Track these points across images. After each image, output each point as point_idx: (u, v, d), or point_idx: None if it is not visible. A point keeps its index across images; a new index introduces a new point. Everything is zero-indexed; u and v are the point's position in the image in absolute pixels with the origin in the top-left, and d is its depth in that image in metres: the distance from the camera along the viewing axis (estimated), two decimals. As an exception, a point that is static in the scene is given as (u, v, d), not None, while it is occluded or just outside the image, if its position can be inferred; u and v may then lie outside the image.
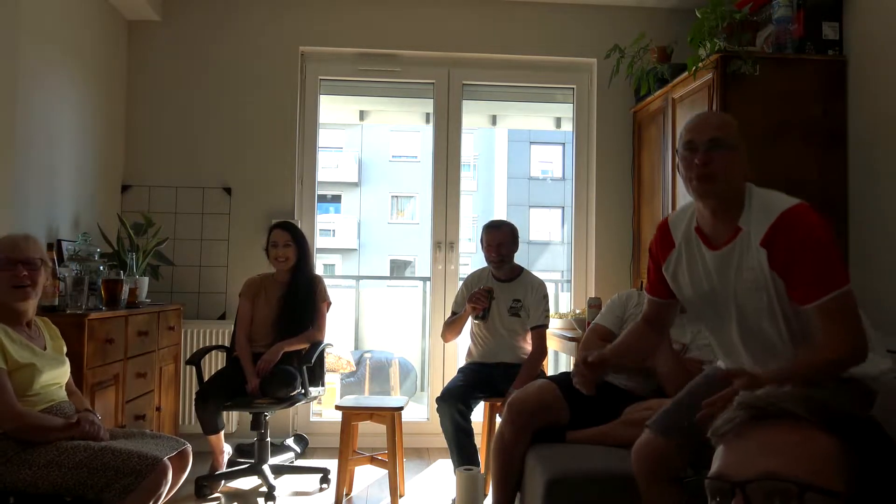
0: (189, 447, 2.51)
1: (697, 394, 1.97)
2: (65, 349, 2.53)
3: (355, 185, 21.05)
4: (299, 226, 4.07)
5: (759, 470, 0.79)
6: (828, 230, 1.76)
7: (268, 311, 3.63)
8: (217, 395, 3.41)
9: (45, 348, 2.41)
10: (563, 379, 2.83)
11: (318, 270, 4.23)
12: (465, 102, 4.56)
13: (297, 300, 3.61)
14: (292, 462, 3.87)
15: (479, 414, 3.50)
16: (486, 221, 3.75)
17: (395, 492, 3.25)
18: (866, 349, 1.71)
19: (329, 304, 3.71)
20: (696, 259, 1.93)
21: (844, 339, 1.68)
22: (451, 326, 3.67)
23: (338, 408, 3.43)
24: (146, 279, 3.74)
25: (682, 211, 2.04)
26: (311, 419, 4.44)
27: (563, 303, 5.16)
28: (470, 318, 3.60)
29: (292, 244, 3.63)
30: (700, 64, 3.34)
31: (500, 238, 3.56)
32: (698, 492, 0.85)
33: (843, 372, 1.72)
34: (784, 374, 1.64)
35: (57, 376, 2.41)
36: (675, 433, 1.95)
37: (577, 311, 4.06)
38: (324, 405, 4.70)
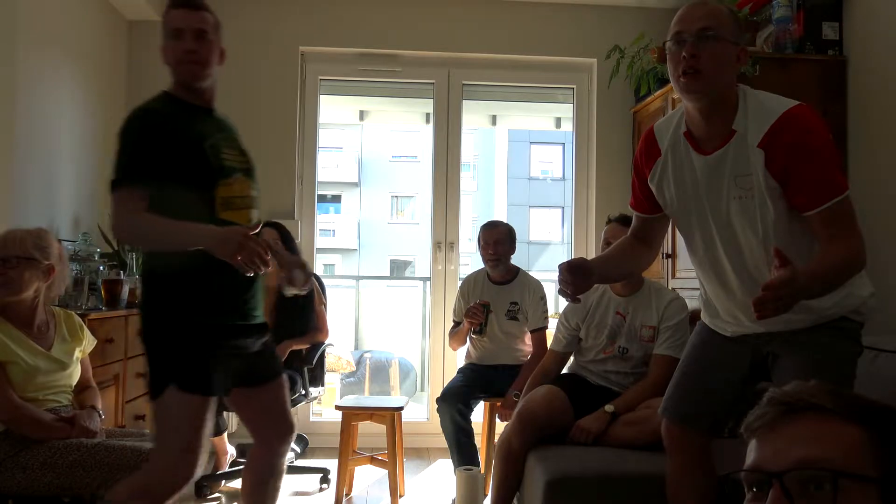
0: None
1: (704, 366, 1.96)
2: (81, 348, 2.47)
3: (355, 185, 21.05)
4: (299, 226, 4.07)
5: (793, 460, 0.83)
6: (829, 132, 1.69)
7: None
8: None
9: (50, 348, 2.37)
10: (567, 381, 2.84)
11: (318, 270, 4.23)
12: (465, 102, 4.56)
13: (289, 304, 3.50)
14: (292, 462, 3.86)
15: (479, 414, 3.50)
16: (485, 222, 3.74)
17: (395, 492, 3.25)
18: (865, 255, 1.67)
19: (325, 305, 3.69)
20: (683, 166, 1.81)
21: (851, 244, 1.61)
22: (455, 337, 3.66)
23: (338, 408, 3.43)
24: (146, 279, 3.73)
25: (669, 117, 1.90)
26: (311, 419, 4.44)
27: (563, 302, 5.15)
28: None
29: (280, 244, 3.57)
30: (700, 64, 3.33)
31: (497, 236, 3.55)
32: (736, 486, 0.89)
33: (854, 275, 1.68)
34: (816, 273, 1.56)
35: (58, 380, 2.37)
36: (696, 419, 1.95)
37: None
38: (324, 405, 4.70)
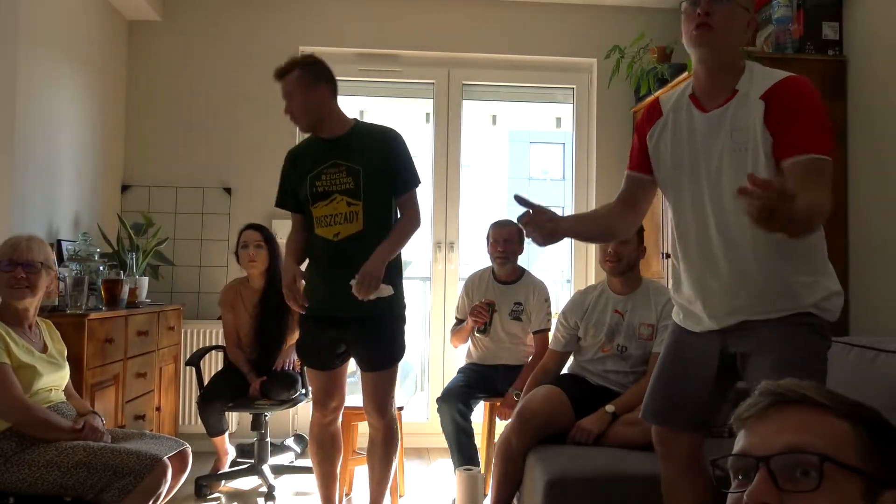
0: (188, 448, 2.51)
1: (678, 368, 1.96)
2: (65, 352, 2.53)
3: (355, 184, 21.00)
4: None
5: (780, 445, 0.84)
6: (823, 105, 1.78)
7: (247, 320, 3.60)
8: (220, 397, 3.41)
9: (44, 351, 2.41)
10: (567, 382, 2.84)
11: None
12: (465, 102, 4.56)
13: (271, 308, 3.53)
14: (292, 462, 3.87)
15: (479, 414, 3.50)
16: (482, 222, 3.74)
17: (395, 492, 3.24)
18: (826, 217, 1.63)
19: None
20: (682, 125, 1.90)
21: (822, 196, 1.60)
22: (457, 335, 3.66)
23: (338, 408, 3.43)
24: (146, 279, 3.74)
25: (675, 90, 2.01)
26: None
27: (563, 303, 5.14)
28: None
29: (263, 245, 3.56)
30: (700, 64, 3.33)
31: (507, 234, 3.55)
32: (724, 478, 0.91)
33: (817, 224, 1.65)
34: (801, 199, 1.49)
35: (56, 379, 2.42)
36: (678, 420, 1.95)
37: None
38: (324, 405, 4.69)
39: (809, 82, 1.79)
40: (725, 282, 1.81)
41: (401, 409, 3.37)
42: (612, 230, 2.12)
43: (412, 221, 2.70)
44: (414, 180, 2.70)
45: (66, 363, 2.50)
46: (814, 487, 0.80)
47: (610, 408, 2.62)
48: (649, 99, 2.03)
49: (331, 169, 2.63)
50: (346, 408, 3.34)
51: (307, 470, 3.68)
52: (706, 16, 1.78)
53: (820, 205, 1.54)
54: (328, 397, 2.76)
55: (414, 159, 2.73)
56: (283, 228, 3.56)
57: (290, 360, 3.51)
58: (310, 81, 2.63)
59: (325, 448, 2.82)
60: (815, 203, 1.51)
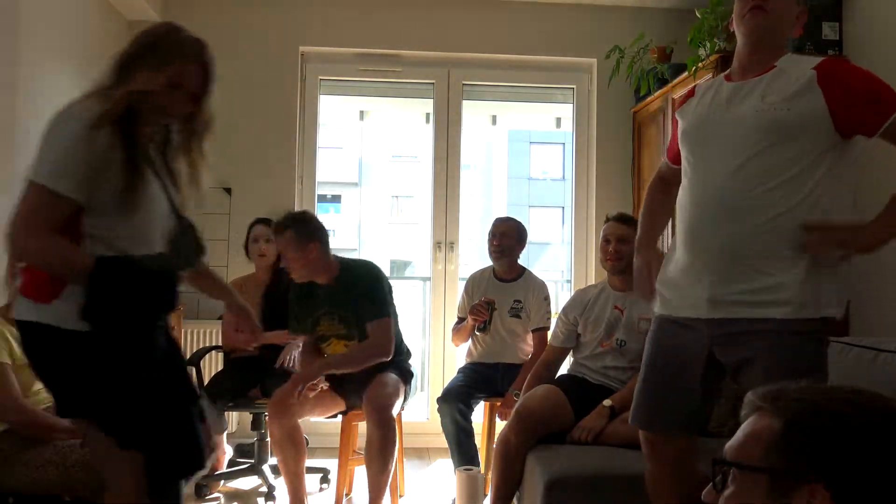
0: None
1: (664, 372, 1.91)
2: None
3: (355, 185, 21.03)
4: (299, 226, 4.08)
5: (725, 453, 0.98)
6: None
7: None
8: (221, 397, 3.41)
9: None
10: (567, 382, 2.84)
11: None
12: (465, 102, 4.56)
13: (277, 299, 3.52)
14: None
15: (479, 414, 3.50)
16: (482, 222, 3.75)
17: (395, 492, 3.24)
18: None
19: None
20: (710, 95, 1.90)
21: None
22: (458, 333, 3.68)
23: (338, 408, 3.43)
24: (146, 279, 3.73)
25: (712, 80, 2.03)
26: (311, 419, 4.42)
27: (563, 303, 5.14)
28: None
29: (273, 240, 3.57)
30: (700, 64, 3.34)
31: (504, 229, 3.57)
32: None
33: None
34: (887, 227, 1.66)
35: None
36: (664, 424, 1.92)
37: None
38: (324, 405, 4.69)
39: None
40: (725, 253, 1.75)
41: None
42: (670, 213, 2.12)
43: (372, 349, 3.01)
44: (382, 311, 3.02)
45: None
46: (728, 490, 0.94)
47: (608, 402, 2.62)
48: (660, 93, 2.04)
49: (325, 317, 3.13)
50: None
51: (307, 470, 3.67)
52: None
53: None
54: None
55: (389, 293, 3.12)
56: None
57: (291, 357, 3.50)
58: (302, 242, 2.98)
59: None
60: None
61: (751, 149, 1.74)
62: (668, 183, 2.10)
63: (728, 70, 1.93)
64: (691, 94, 2.01)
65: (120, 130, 1.63)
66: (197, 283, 2.08)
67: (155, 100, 1.68)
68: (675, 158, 2.02)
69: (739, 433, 0.96)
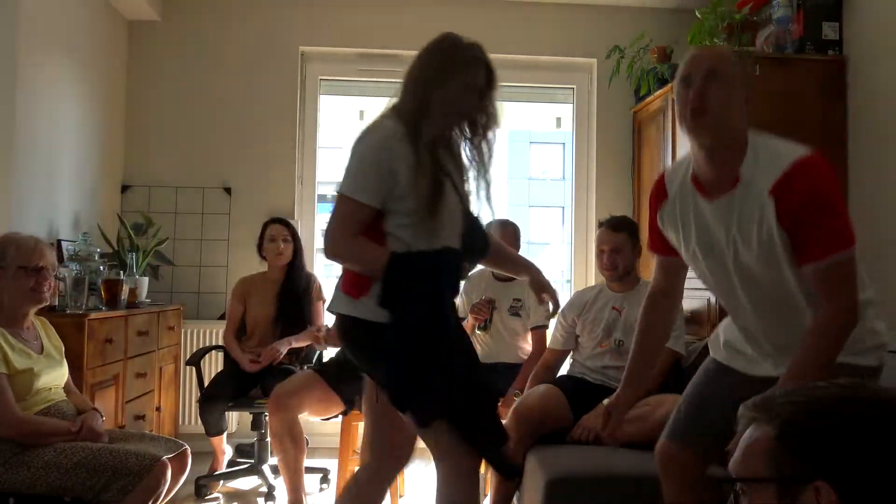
0: (188, 449, 2.51)
1: (705, 394, 1.93)
2: (63, 349, 2.52)
3: (355, 184, 20.97)
4: (299, 226, 4.08)
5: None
6: (838, 184, 1.73)
7: (264, 310, 3.60)
8: (221, 397, 3.41)
9: (41, 350, 2.40)
10: (566, 382, 2.85)
11: (318, 270, 4.23)
12: (465, 102, 4.55)
13: (293, 297, 3.59)
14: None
15: (479, 414, 3.50)
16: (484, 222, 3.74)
17: (395, 492, 3.24)
18: (858, 312, 1.66)
19: (324, 301, 3.70)
20: (689, 211, 1.79)
21: (846, 302, 1.62)
22: None
23: (338, 408, 3.43)
24: (146, 279, 3.74)
25: (679, 163, 1.90)
26: (311, 419, 4.42)
27: (563, 303, 5.14)
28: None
29: (290, 240, 3.62)
30: (700, 64, 3.33)
31: (502, 234, 3.56)
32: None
33: (848, 335, 1.65)
34: (801, 370, 1.58)
35: (55, 378, 2.41)
36: (693, 440, 1.90)
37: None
38: (324, 405, 4.69)
39: (819, 161, 1.66)
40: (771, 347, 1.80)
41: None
42: (665, 335, 2.10)
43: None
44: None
45: (64, 359, 2.49)
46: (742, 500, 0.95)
47: (608, 401, 2.62)
48: (657, 177, 1.99)
49: None
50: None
51: (307, 470, 3.67)
52: (700, 99, 1.64)
53: (841, 325, 1.62)
54: None
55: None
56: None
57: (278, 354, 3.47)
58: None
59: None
60: (830, 350, 1.60)
61: (761, 271, 1.73)
62: (663, 295, 2.01)
63: (692, 168, 1.78)
64: (663, 192, 1.88)
65: (418, 144, 1.88)
66: (495, 264, 2.43)
67: (453, 107, 1.92)
68: (659, 248, 1.97)
69: (740, 448, 0.97)
